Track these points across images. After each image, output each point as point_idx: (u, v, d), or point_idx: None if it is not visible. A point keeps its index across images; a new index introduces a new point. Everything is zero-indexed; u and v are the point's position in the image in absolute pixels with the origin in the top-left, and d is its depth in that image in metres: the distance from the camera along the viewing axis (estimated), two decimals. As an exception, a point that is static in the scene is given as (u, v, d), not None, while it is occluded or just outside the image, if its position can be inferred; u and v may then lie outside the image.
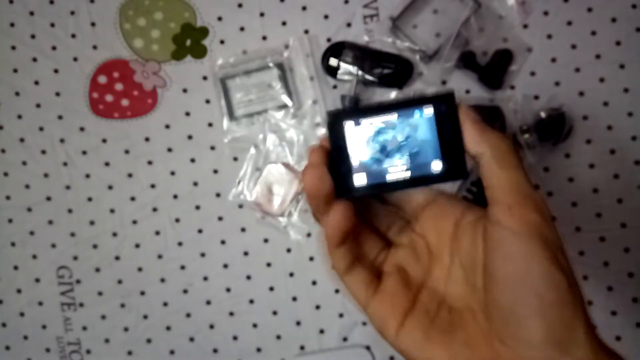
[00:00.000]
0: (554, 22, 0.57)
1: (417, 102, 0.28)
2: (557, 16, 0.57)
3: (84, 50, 0.61)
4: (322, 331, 0.60)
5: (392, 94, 0.58)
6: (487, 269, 0.27)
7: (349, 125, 0.28)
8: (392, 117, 0.28)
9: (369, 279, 0.30)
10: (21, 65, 0.61)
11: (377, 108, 0.28)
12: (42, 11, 0.61)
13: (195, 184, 0.61)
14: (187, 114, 0.60)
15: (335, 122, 0.28)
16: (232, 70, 0.59)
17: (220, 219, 0.61)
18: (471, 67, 0.56)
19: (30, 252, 0.62)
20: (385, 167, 0.28)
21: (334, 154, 0.28)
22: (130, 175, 0.61)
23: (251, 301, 0.61)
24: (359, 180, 0.28)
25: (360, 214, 0.31)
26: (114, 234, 0.61)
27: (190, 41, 0.60)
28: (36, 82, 0.61)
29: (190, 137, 0.60)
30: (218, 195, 0.60)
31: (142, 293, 0.61)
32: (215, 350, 0.61)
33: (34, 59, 0.61)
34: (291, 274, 0.60)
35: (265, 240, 0.60)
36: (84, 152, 0.61)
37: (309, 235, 0.59)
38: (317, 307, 0.60)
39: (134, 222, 0.61)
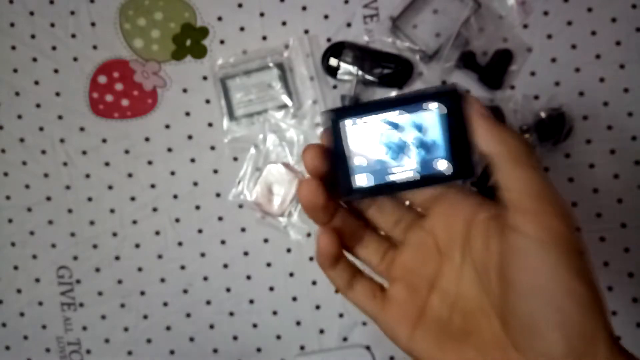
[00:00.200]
0: (554, 22, 0.57)
1: (419, 98, 0.26)
2: (557, 16, 0.57)
3: (84, 50, 0.61)
4: (322, 331, 0.60)
5: (392, 94, 0.58)
6: (506, 278, 0.25)
7: (347, 124, 0.27)
8: (393, 114, 0.26)
9: (373, 289, 0.29)
10: (21, 65, 0.61)
11: (377, 105, 0.26)
12: (42, 11, 0.61)
13: (195, 184, 0.61)
14: (187, 114, 0.60)
15: (333, 120, 0.27)
16: (232, 70, 0.59)
17: (220, 219, 0.61)
18: (471, 67, 0.56)
19: (30, 252, 0.62)
20: (388, 167, 0.27)
21: (334, 154, 0.27)
22: (130, 175, 0.61)
23: (251, 301, 0.61)
24: (360, 181, 0.27)
25: (366, 210, 0.30)
26: (114, 234, 0.61)
27: (190, 41, 0.60)
28: (36, 82, 0.61)
29: (190, 137, 0.60)
30: (218, 195, 0.60)
31: (142, 293, 0.61)
32: (215, 350, 0.61)
33: (34, 59, 0.61)
34: (291, 274, 0.60)
35: (265, 240, 0.60)
36: (84, 152, 0.61)
37: (309, 235, 0.59)
38: (317, 307, 0.60)
39: (134, 222, 0.61)
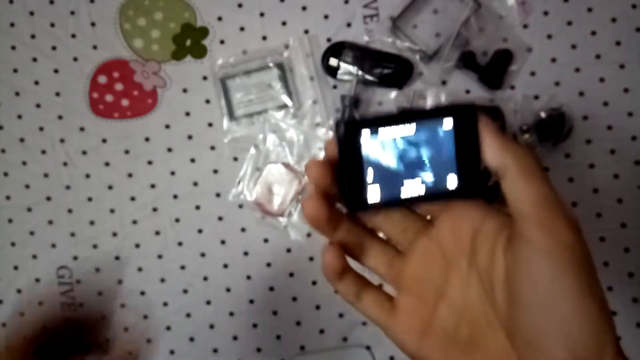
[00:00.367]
0: (554, 22, 0.57)
1: (437, 113, 0.26)
2: (557, 16, 0.57)
3: (84, 50, 0.61)
4: (322, 331, 0.60)
5: (392, 94, 0.58)
6: (512, 290, 0.25)
7: (364, 137, 0.26)
8: (410, 128, 0.26)
9: (382, 300, 0.29)
10: (21, 65, 0.61)
11: (394, 118, 0.26)
12: (42, 11, 0.61)
13: (195, 184, 0.61)
14: (187, 114, 0.60)
15: (349, 132, 0.26)
16: (232, 70, 0.59)
17: (220, 219, 0.61)
18: (471, 67, 0.56)
19: (30, 252, 0.62)
20: (400, 181, 0.26)
21: (346, 167, 0.26)
22: (130, 175, 0.61)
23: (251, 301, 0.61)
24: (372, 194, 0.27)
25: (372, 219, 0.30)
26: (114, 234, 0.61)
27: (190, 41, 0.60)
28: (36, 82, 0.61)
29: (190, 137, 0.60)
30: (218, 195, 0.60)
31: (143, 293, 0.61)
32: (215, 350, 0.61)
33: (34, 59, 0.61)
34: (291, 274, 0.60)
35: (265, 240, 0.60)
36: (84, 152, 0.61)
37: (309, 235, 0.59)
38: (317, 307, 0.60)
39: (134, 222, 0.61)
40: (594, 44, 0.56)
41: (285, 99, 0.59)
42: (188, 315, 0.61)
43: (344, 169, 0.26)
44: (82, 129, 0.61)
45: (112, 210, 0.61)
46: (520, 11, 0.57)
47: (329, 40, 0.59)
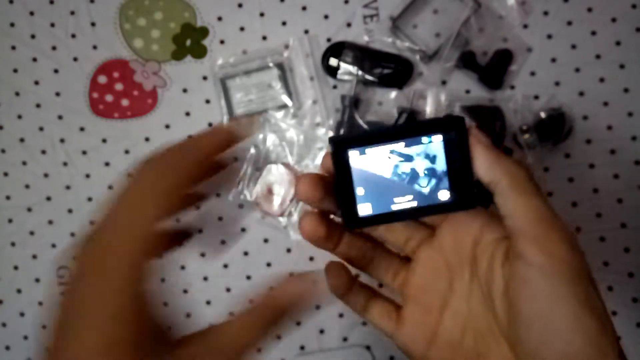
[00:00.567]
0: (554, 22, 0.57)
1: (426, 129, 0.26)
2: (557, 16, 0.57)
3: (84, 50, 0.61)
4: (322, 331, 0.60)
5: (392, 94, 0.58)
6: (511, 304, 0.25)
7: (353, 154, 0.26)
8: (399, 145, 0.26)
9: (389, 311, 0.30)
10: (21, 65, 0.61)
11: (383, 135, 0.26)
12: (42, 11, 0.61)
13: (195, 184, 0.61)
14: (187, 114, 0.60)
15: (338, 150, 0.26)
16: (232, 70, 0.59)
17: (220, 219, 0.60)
18: (471, 67, 0.56)
19: (30, 252, 0.62)
20: (391, 197, 0.27)
21: (339, 183, 0.27)
22: (130, 175, 0.61)
23: (251, 301, 0.60)
24: (364, 210, 0.27)
25: (374, 231, 0.30)
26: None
27: (190, 41, 0.60)
28: (36, 82, 0.61)
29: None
30: (218, 195, 0.60)
31: (142, 293, 0.61)
32: (215, 350, 0.61)
33: (34, 59, 0.61)
34: (291, 274, 0.60)
35: (265, 240, 0.60)
36: (84, 152, 0.61)
37: (309, 235, 0.59)
38: (317, 307, 0.60)
39: (134, 222, 0.61)
40: (594, 44, 0.56)
41: (285, 99, 0.59)
42: (188, 315, 0.61)
43: (337, 185, 0.27)
44: (82, 129, 0.61)
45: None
46: (520, 11, 0.57)
47: (329, 40, 0.59)
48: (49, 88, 0.61)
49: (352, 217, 0.27)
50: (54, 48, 0.61)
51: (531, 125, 0.55)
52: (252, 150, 0.60)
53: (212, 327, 0.27)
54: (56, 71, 0.61)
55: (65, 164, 0.61)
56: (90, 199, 0.61)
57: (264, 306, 0.27)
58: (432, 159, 0.26)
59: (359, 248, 0.30)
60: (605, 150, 0.56)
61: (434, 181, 0.27)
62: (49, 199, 0.62)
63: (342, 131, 0.57)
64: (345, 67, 0.57)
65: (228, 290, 0.61)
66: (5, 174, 0.62)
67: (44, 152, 0.62)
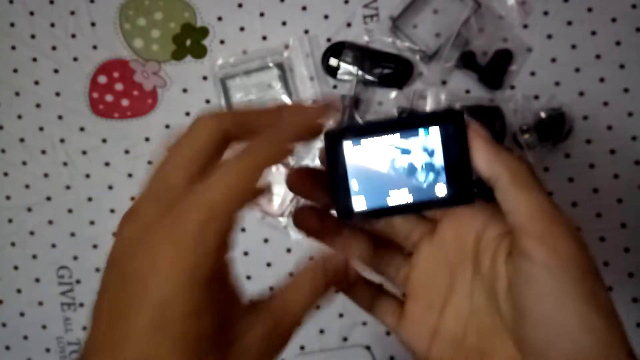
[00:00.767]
0: (554, 22, 0.57)
1: (422, 121, 0.26)
2: (557, 16, 0.57)
3: (84, 50, 0.61)
4: (322, 331, 0.60)
5: (392, 94, 0.58)
6: (515, 303, 0.24)
7: (347, 146, 0.26)
8: (395, 137, 0.26)
9: (393, 307, 0.30)
10: (21, 65, 0.61)
11: (379, 127, 0.26)
12: (42, 11, 0.61)
13: (195, 184, 0.61)
14: (187, 114, 0.60)
15: (332, 142, 0.26)
16: (232, 70, 0.59)
17: (220, 219, 0.60)
18: (471, 67, 0.56)
19: (30, 252, 0.62)
20: (386, 190, 0.26)
21: (332, 176, 0.26)
22: (130, 175, 0.61)
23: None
24: (358, 204, 0.26)
25: (374, 225, 0.30)
26: (114, 234, 0.61)
27: (190, 41, 0.60)
28: (36, 82, 0.61)
29: (190, 137, 0.60)
30: (218, 195, 0.60)
31: (142, 293, 0.61)
32: (215, 350, 0.61)
33: (34, 59, 0.61)
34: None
35: (265, 240, 0.60)
36: (84, 152, 0.61)
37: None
38: (317, 307, 0.60)
39: (134, 222, 0.61)
40: (594, 44, 0.56)
41: (285, 99, 0.59)
42: (188, 315, 0.61)
43: (331, 177, 0.26)
44: (82, 129, 0.61)
45: (112, 210, 0.61)
46: (520, 11, 0.57)
47: (329, 40, 0.59)
48: (49, 88, 0.61)
49: (346, 211, 0.26)
50: (54, 48, 0.61)
51: (531, 125, 0.55)
52: (252, 150, 0.60)
53: (274, 292, 0.26)
54: (56, 71, 0.61)
55: (65, 164, 0.61)
56: (90, 199, 0.61)
57: (317, 266, 0.26)
58: (430, 153, 0.26)
59: (360, 241, 0.29)
60: (605, 150, 0.56)
61: (431, 175, 0.26)
62: (49, 199, 0.62)
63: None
64: (345, 67, 0.57)
65: (228, 290, 0.61)
66: (5, 174, 0.62)
67: (44, 152, 0.62)
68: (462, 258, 0.28)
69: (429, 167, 0.26)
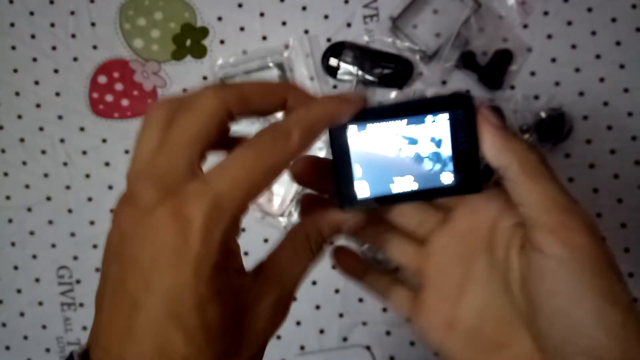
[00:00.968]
0: (554, 22, 0.57)
1: (431, 107, 0.25)
2: (557, 16, 0.57)
3: (84, 50, 0.61)
4: (322, 331, 0.60)
5: (392, 94, 0.58)
6: (530, 299, 0.24)
7: (352, 131, 0.25)
8: (402, 123, 0.25)
9: (408, 296, 0.29)
10: (21, 65, 0.61)
11: (386, 112, 0.25)
12: (42, 11, 0.61)
13: (195, 184, 0.61)
14: (187, 114, 0.60)
15: (337, 127, 0.25)
16: (232, 70, 0.59)
17: (220, 219, 0.60)
18: (471, 67, 0.56)
19: (30, 252, 0.62)
20: (390, 177, 0.25)
21: (335, 162, 0.25)
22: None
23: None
24: (362, 190, 0.25)
25: (386, 214, 0.29)
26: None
27: (190, 41, 0.60)
28: (36, 82, 0.61)
29: (190, 137, 0.60)
30: (218, 195, 0.60)
31: (142, 293, 0.61)
32: (215, 350, 0.61)
33: (34, 59, 0.61)
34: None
35: (265, 240, 0.60)
36: (84, 152, 0.61)
37: (309, 235, 0.59)
38: (317, 307, 0.60)
39: (134, 222, 0.61)
40: (594, 44, 0.56)
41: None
42: (188, 315, 0.61)
43: (334, 163, 0.25)
44: (82, 129, 0.61)
45: (112, 210, 0.61)
46: (520, 11, 0.57)
47: (329, 40, 0.59)
48: (49, 88, 0.61)
49: (349, 197, 0.26)
50: (54, 48, 0.61)
51: (531, 125, 0.55)
52: (252, 150, 0.60)
53: (271, 256, 0.26)
54: (56, 71, 0.61)
55: (65, 164, 0.61)
56: (90, 199, 0.61)
57: (303, 230, 0.26)
58: (438, 142, 0.25)
59: (374, 230, 0.29)
60: (605, 150, 0.56)
61: (438, 164, 0.25)
62: (49, 199, 0.62)
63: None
64: (345, 67, 0.57)
65: (228, 290, 0.61)
66: (5, 174, 0.62)
67: (44, 152, 0.62)
68: (477, 248, 0.27)
69: (436, 156, 0.25)
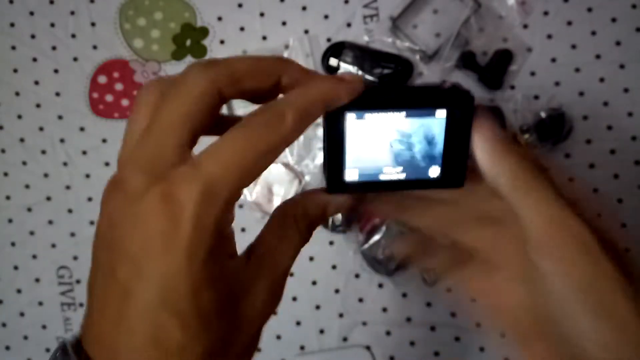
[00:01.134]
0: (554, 22, 0.57)
1: (431, 101, 0.25)
2: (557, 16, 0.57)
3: (84, 50, 0.61)
4: (322, 331, 0.60)
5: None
6: (538, 312, 0.23)
7: (350, 118, 0.25)
8: (400, 115, 0.25)
9: (473, 274, 0.28)
10: (21, 65, 0.61)
11: (384, 103, 0.25)
12: (42, 11, 0.61)
13: (195, 184, 0.61)
14: (187, 114, 0.60)
15: (335, 112, 0.25)
16: (232, 70, 0.59)
17: (220, 219, 0.60)
18: (471, 67, 0.56)
19: (30, 252, 0.62)
20: (381, 167, 0.26)
21: (328, 147, 0.26)
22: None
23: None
24: (351, 176, 0.26)
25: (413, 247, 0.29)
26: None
27: (190, 41, 0.60)
28: (36, 82, 0.61)
29: (190, 137, 0.60)
30: (218, 195, 0.60)
31: (142, 293, 0.61)
32: (215, 350, 0.61)
33: (34, 59, 0.61)
34: (291, 274, 0.60)
35: (265, 240, 0.60)
36: (84, 152, 0.61)
37: (309, 235, 0.59)
38: (317, 307, 0.60)
39: (134, 222, 0.61)
40: (594, 44, 0.56)
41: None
42: (188, 315, 0.61)
43: (327, 147, 0.26)
44: (82, 129, 0.61)
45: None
46: (520, 11, 0.57)
47: (329, 40, 0.59)
48: (49, 88, 0.61)
49: (337, 182, 0.26)
50: (54, 48, 0.61)
51: (531, 125, 0.55)
52: (252, 150, 0.59)
53: (262, 239, 0.26)
54: (56, 71, 0.61)
55: (65, 164, 0.61)
56: (90, 199, 0.61)
57: (297, 206, 0.25)
58: (430, 140, 0.25)
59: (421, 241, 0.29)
60: (605, 150, 0.56)
61: (427, 156, 0.26)
62: (49, 199, 0.62)
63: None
64: (345, 67, 0.57)
65: (228, 290, 0.61)
66: (5, 174, 0.62)
67: (44, 152, 0.62)
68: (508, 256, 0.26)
69: (428, 150, 0.25)
